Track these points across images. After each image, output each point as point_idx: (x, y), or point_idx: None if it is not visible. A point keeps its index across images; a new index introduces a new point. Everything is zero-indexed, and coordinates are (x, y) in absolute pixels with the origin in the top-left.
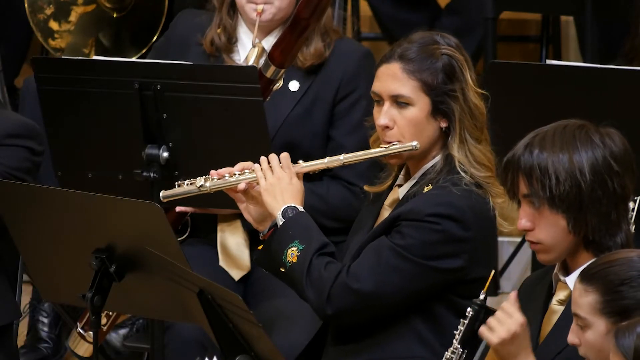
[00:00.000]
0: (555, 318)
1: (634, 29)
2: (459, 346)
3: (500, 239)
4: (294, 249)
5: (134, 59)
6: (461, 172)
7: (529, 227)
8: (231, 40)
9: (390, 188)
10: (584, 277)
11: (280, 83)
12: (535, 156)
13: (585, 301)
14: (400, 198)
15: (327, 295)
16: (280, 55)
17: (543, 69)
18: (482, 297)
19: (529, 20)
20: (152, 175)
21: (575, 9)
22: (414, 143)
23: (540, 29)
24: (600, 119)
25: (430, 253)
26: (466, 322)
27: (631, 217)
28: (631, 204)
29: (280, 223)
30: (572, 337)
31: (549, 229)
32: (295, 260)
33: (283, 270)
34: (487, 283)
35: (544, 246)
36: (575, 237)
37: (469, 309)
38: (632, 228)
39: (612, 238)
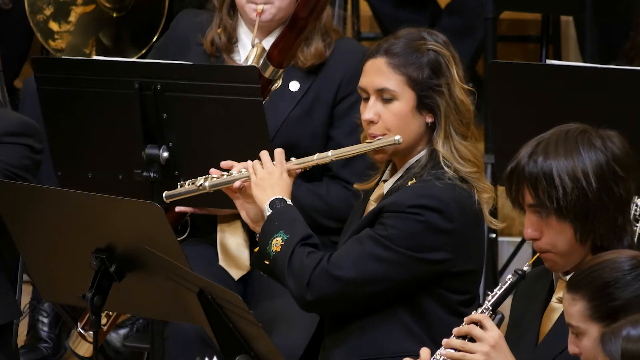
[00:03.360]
0: (555, 316)
1: (634, 29)
2: (490, 308)
3: (500, 238)
4: (279, 238)
5: (134, 59)
6: (445, 167)
7: (537, 237)
8: (231, 40)
9: (377, 184)
10: (570, 286)
11: (279, 83)
12: (539, 166)
13: (575, 310)
14: (385, 192)
15: (307, 281)
16: (278, 55)
17: (543, 69)
18: (526, 268)
19: (529, 20)
20: (152, 175)
21: (575, 9)
22: (397, 137)
23: (540, 29)
24: (601, 119)
25: (413, 243)
26: (504, 287)
27: (638, 213)
28: (639, 201)
29: (268, 214)
30: (572, 348)
31: (557, 237)
32: (278, 249)
33: (267, 262)
34: (535, 256)
35: (553, 254)
36: (583, 244)
37: (509, 276)
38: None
39: (620, 242)
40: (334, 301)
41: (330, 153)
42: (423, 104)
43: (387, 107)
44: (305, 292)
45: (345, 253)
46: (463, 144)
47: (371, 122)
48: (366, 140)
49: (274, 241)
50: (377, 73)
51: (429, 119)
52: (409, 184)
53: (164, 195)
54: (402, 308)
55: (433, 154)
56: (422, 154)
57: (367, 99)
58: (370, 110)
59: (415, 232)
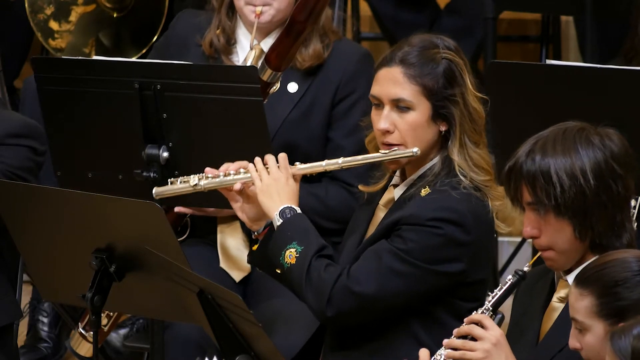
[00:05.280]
0: (555, 315)
1: (633, 29)
2: (491, 308)
3: (500, 239)
4: (292, 250)
5: (134, 59)
6: (460, 176)
7: (536, 235)
8: (230, 42)
9: (385, 188)
10: (578, 281)
11: (277, 86)
12: (537, 163)
13: (582, 305)
14: (395, 198)
15: (328, 297)
16: (276, 59)
17: (543, 69)
18: (526, 268)
19: (529, 20)
20: (152, 175)
21: (575, 9)
22: (415, 149)
23: (540, 29)
24: (600, 119)
25: (432, 257)
26: (504, 287)
27: (633, 215)
28: (632, 202)
29: (278, 224)
30: (573, 342)
31: (556, 235)
32: (293, 261)
33: (279, 271)
34: (535, 257)
35: (553, 252)
36: (582, 242)
37: (509, 277)
38: (634, 226)
39: (619, 239)
40: (353, 316)
41: (340, 160)
42: (438, 114)
43: (403, 116)
44: (326, 308)
45: (364, 267)
46: (476, 152)
47: (387, 132)
48: (381, 150)
49: (288, 252)
50: (393, 83)
51: (443, 128)
52: (422, 192)
53: (153, 192)
54: (414, 319)
55: (447, 162)
56: (435, 161)
57: (378, 106)
58: (385, 119)
59: (434, 246)
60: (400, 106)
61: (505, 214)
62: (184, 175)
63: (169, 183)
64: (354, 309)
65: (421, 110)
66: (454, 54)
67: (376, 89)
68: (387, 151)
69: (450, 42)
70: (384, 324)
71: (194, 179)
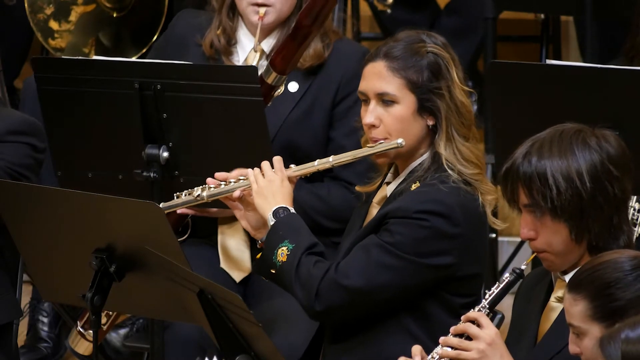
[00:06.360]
0: (553, 315)
1: (634, 28)
2: (487, 306)
3: (500, 238)
4: (284, 248)
5: (133, 59)
6: (448, 170)
7: (532, 237)
8: (230, 42)
9: (380, 187)
10: (571, 286)
11: (282, 89)
12: (533, 166)
13: (576, 310)
14: (388, 195)
15: (316, 291)
16: (281, 62)
17: (543, 69)
18: (523, 267)
19: (529, 20)
20: (152, 175)
21: (575, 9)
22: (399, 140)
23: (540, 29)
24: (600, 119)
25: (419, 250)
26: (501, 285)
27: (638, 218)
28: (637, 205)
29: (271, 223)
30: (572, 347)
31: (552, 237)
32: (285, 259)
33: (274, 271)
34: (533, 255)
35: (550, 254)
36: (578, 244)
37: (506, 274)
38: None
39: (616, 241)
40: (343, 310)
41: (331, 159)
42: (424, 107)
43: (388, 110)
44: (314, 302)
45: (353, 261)
46: (465, 146)
47: (372, 126)
48: (368, 145)
49: (280, 251)
50: (377, 77)
51: (430, 122)
52: (413, 187)
53: (160, 207)
54: (405, 312)
55: (436, 157)
56: (425, 156)
57: (366, 102)
58: (371, 114)
59: (422, 238)
60: (385, 100)
61: (506, 213)
62: (185, 176)
63: (175, 197)
64: (343, 303)
65: (406, 104)
66: (440, 48)
67: (362, 85)
68: (373, 145)
69: (438, 38)
70: (377, 318)
71: (196, 191)
